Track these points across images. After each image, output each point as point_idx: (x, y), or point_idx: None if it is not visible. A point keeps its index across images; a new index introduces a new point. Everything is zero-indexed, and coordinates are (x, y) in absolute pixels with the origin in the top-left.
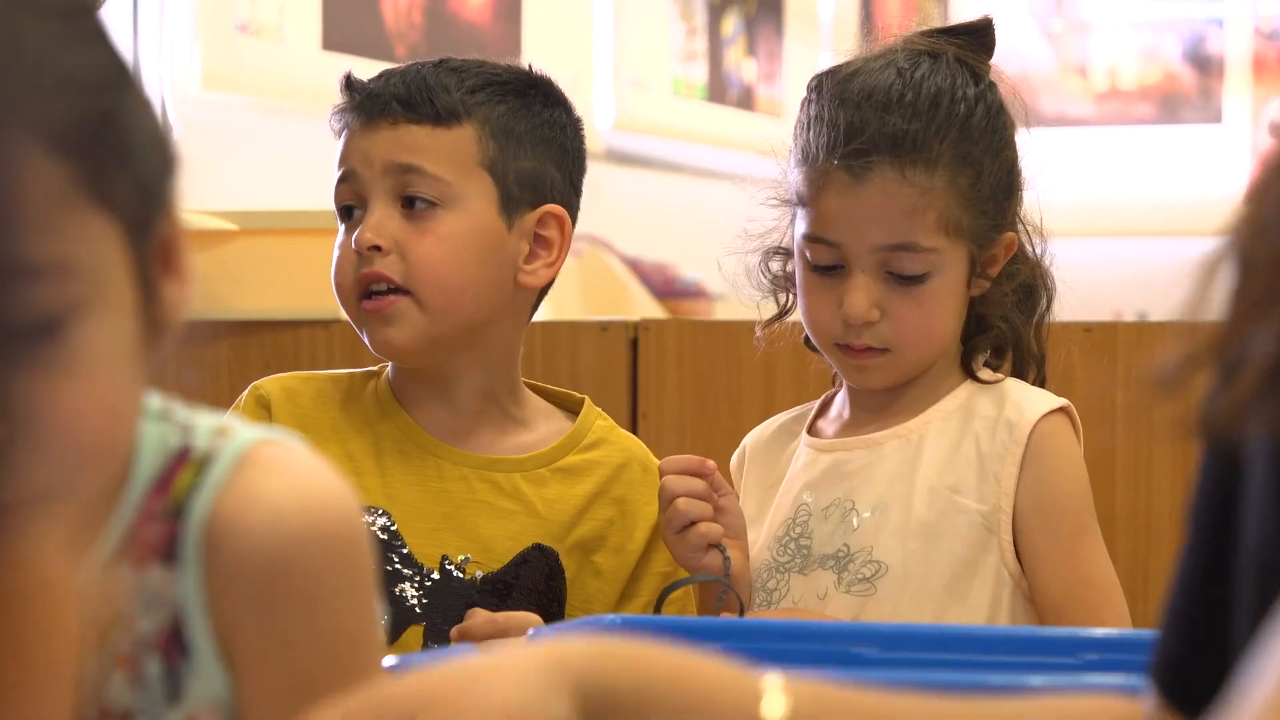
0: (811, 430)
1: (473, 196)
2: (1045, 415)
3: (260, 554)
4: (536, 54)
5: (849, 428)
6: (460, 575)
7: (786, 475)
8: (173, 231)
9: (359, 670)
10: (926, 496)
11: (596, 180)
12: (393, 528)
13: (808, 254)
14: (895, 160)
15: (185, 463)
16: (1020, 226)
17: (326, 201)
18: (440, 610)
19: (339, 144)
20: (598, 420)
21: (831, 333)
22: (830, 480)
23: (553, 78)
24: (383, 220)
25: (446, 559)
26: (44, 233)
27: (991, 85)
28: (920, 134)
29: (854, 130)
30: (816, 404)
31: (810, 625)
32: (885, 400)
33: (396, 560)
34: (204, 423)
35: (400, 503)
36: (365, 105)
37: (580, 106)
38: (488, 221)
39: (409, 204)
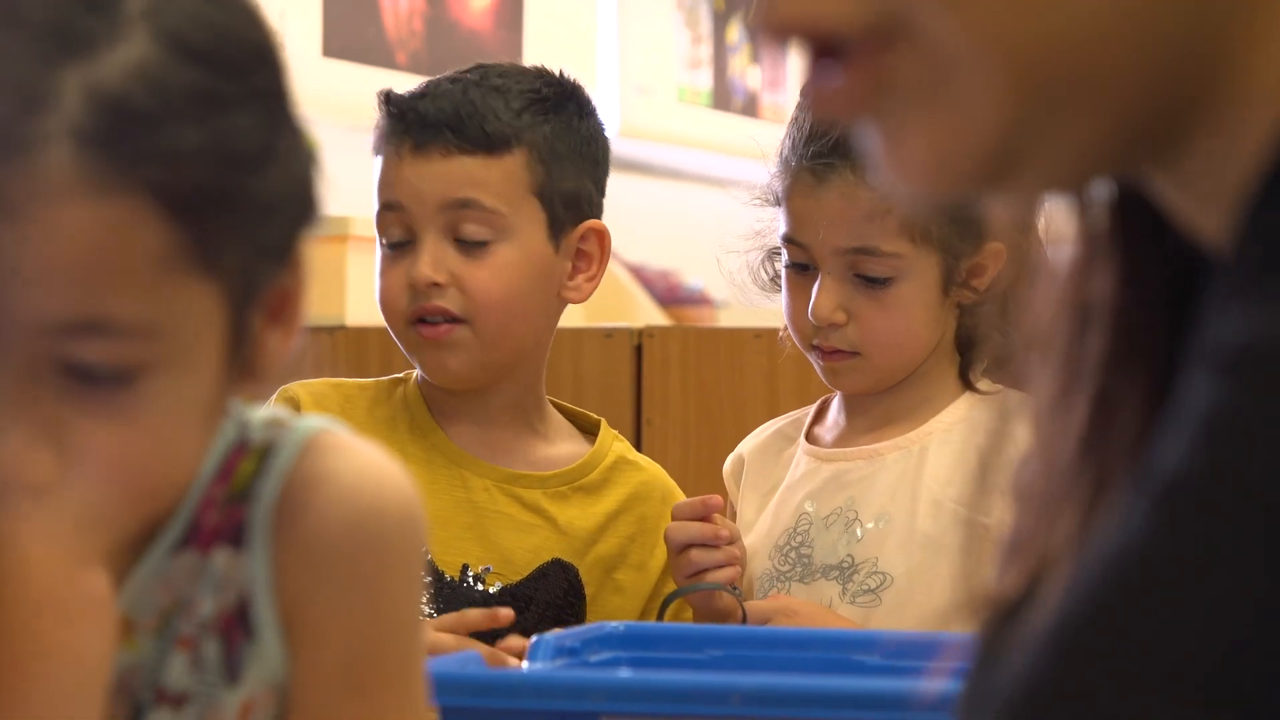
0: (809, 437)
1: (525, 225)
2: None
3: (330, 531)
4: (538, 61)
5: (847, 437)
6: (478, 584)
7: (785, 482)
8: (292, 282)
9: (410, 650)
10: (931, 509)
11: None
12: None
13: (784, 254)
14: (855, 163)
15: (245, 453)
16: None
17: (329, 209)
18: None
19: (377, 163)
20: (615, 442)
21: (805, 333)
22: (831, 490)
23: (580, 84)
24: (439, 255)
25: (467, 568)
26: (135, 294)
27: None
28: None
29: (818, 132)
30: (812, 409)
31: (812, 633)
32: (882, 409)
33: None
34: (257, 416)
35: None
36: (415, 131)
37: None
38: (538, 248)
39: (463, 237)
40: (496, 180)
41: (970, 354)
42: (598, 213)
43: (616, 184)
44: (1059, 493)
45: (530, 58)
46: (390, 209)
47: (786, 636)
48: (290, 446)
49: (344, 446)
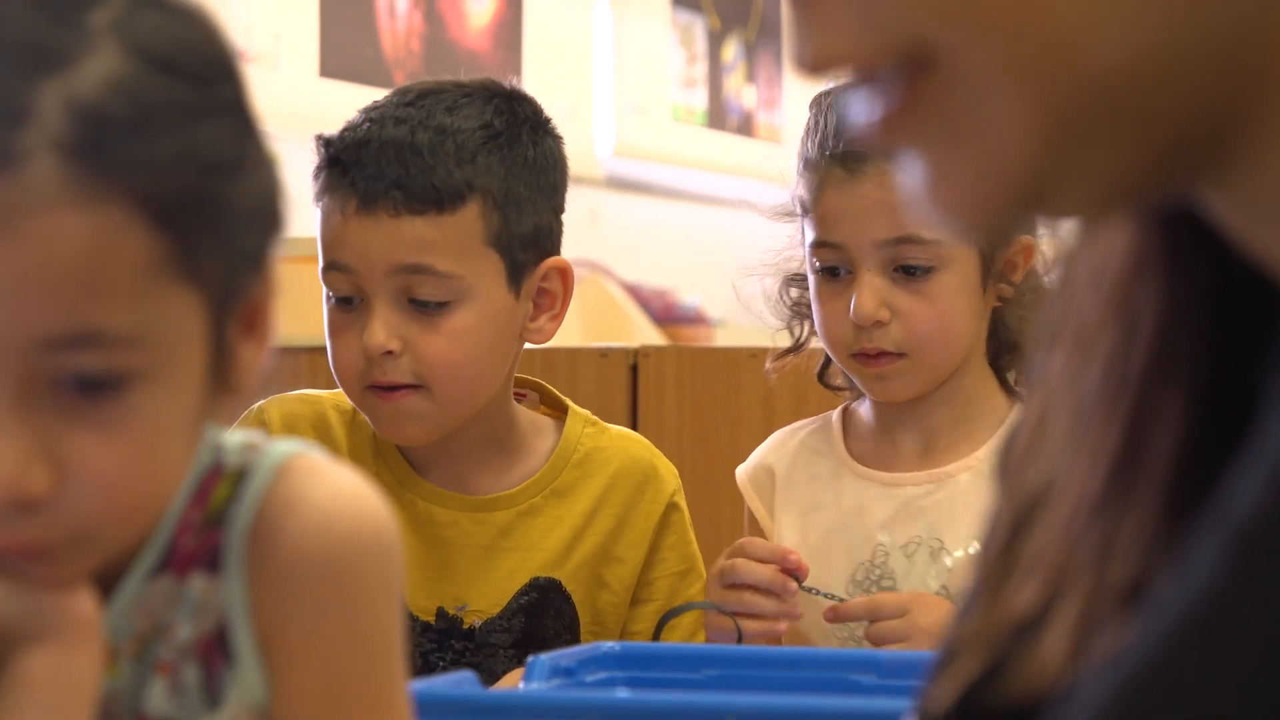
0: (851, 454)
1: (482, 281)
2: None
3: (306, 554)
4: (536, 80)
5: (902, 459)
6: (459, 624)
7: (837, 506)
8: (262, 294)
9: (389, 675)
10: None
11: (596, 206)
12: None
13: (815, 261)
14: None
15: (219, 477)
16: (1051, 237)
17: (312, 230)
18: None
19: (321, 214)
20: (585, 429)
21: (845, 341)
22: (904, 517)
23: (530, 95)
24: (391, 321)
25: (444, 610)
26: (123, 304)
27: None
28: None
29: (847, 126)
30: (835, 419)
31: (808, 652)
32: (926, 425)
33: None
34: (232, 440)
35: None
36: (359, 186)
37: (580, 133)
38: (498, 301)
39: (417, 299)
40: (449, 240)
41: (1005, 361)
42: (558, 244)
43: (612, 203)
44: (1085, 512)
45: (528, 77)
46: (336, 269)
47: (782, 656)
48: (264, 471)
49: (318, 470)
